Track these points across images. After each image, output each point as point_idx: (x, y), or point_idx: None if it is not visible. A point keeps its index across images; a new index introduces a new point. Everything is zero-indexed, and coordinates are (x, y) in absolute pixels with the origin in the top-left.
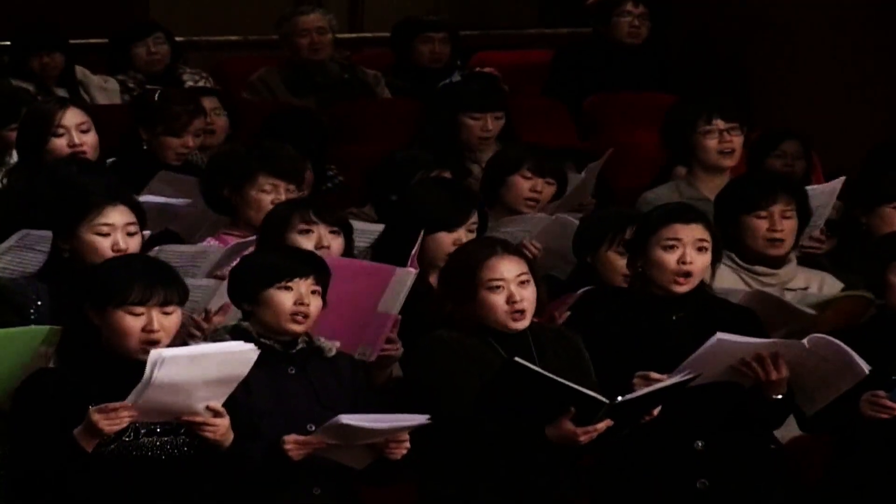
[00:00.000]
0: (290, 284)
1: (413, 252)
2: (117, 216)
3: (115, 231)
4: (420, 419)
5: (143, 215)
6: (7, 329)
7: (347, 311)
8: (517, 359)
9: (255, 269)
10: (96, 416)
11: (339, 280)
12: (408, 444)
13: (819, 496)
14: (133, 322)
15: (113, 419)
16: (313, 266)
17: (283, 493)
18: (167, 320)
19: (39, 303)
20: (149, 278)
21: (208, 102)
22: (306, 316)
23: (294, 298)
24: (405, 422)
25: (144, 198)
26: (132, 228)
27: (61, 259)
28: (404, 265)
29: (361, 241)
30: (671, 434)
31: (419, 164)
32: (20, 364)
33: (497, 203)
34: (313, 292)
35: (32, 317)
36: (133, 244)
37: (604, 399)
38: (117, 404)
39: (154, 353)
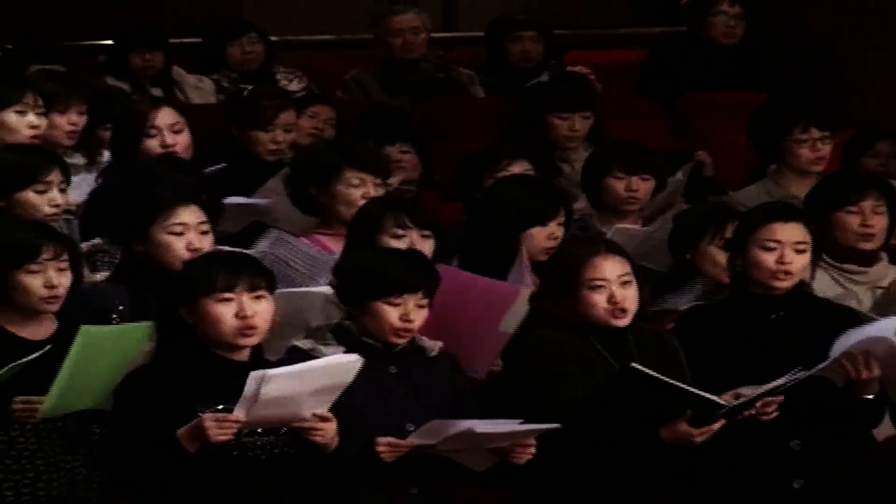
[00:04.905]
0: (398, 301)
1: (524, 264)
2: (189, 215)
3: (189, 230)
4: (549, 426)
5: (214, 214)
6: (116, 326)
7: (467, 328)
8: (635, 365)
9: (365, 276)
10: (209, 423)
11: (461, 297)
12: (533, 450)
13: None
14: (224, 309)
15: (225, 429)
16: (424, 278)
17: (380, 492)
18: (259, 305)
19: (121, 307)
20: (232, 265)
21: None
22: (409, 331)
23: (400, 314)
24: (533, 427)
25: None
26: (204, 227)
27: (136, 261)
28: (496, 266)
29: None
30: (767, 433)
31: (495, 157)
32: (126, 362)
33: (601, 207)
34: (420, 306)
35: (115, 321)
36: (206, 243)
37: (723, 402)
38: (230, 415)
39: (256, 374)
